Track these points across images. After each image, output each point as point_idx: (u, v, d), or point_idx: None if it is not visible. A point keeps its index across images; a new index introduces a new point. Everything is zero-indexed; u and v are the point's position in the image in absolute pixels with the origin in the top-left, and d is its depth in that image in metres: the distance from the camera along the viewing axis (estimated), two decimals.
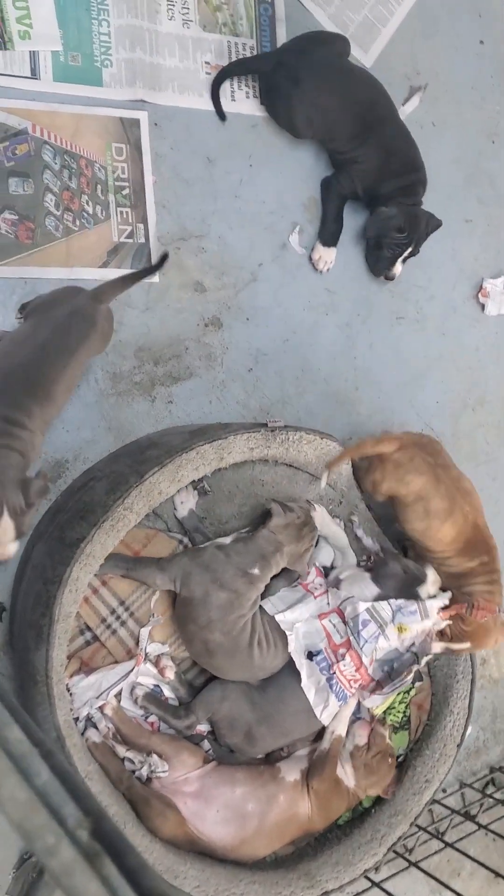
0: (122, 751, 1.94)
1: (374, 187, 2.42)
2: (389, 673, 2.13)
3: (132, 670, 1.96)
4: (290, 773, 2.04)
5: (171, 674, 2.01)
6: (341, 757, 2.08)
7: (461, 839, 2.45)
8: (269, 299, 2.44)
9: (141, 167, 2.29)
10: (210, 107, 2.38)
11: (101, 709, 1.93)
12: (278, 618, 2.00)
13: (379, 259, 2.49)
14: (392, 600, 2.05)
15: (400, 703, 2.24)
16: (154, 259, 2.27)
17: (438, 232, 2.57)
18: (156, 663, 2.01)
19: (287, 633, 2.00)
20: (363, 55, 2.57)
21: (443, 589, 2.12)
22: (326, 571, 2.17)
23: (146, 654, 1.99)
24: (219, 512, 2.11)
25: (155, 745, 1.95)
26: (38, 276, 2.15)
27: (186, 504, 2.05)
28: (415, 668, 2.09)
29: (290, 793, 2.02)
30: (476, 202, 2.77)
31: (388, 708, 2.22)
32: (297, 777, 2.04)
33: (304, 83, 2.29)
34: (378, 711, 2.16)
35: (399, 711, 2.24)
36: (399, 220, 2.39)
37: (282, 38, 2.47)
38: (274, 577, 2.01)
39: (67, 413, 2.13)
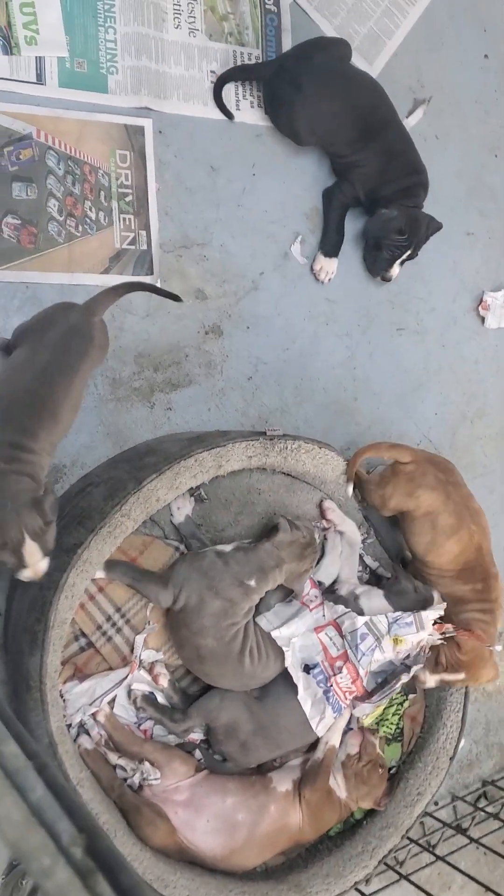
0: (114, 758, 1.93)
1: (376, 190, 2.43)
2: (381, 684, 2.13)
3: (126, 677, 1.96)
4: (282, 783, 2.04)
5: (164, 681, 2.00)
6: (333, 767, 2.08)
7: (452, 852, 2.45)
8: (269, 308, 2.44)
9: (144, 174, 2.30)
10: (214, 115, 2.39)
11: (93, 715, 1.93)
12: (274, 634, 2.00)
13: (377, 260, 2.50)
14: (389, 612, 2.05)
15: (393, 714, 2.23)
16: (156, 268, 2.27)
17: (440, 244, 2.58)
18: (150, 670, 2.00)
19: (284, 648, 2.00)
20: (368, 67, 2.58)
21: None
22: (325, 586, 2.17)
23: (140, 662, 1.99)
24: (215, 519, 2.11)
25: (147, 753, 1.95)
26: (40, 281, 2.15)
27: (183, 510, 2.05)
28: (403, 676, 2.09)
29: (281, 803, 2.02)
30: (478, 215, 2.77)
31: (381, 719, 2.22)
32: (289, 787, 2.04)
33: (306, 88, 2.30)
34: (367, 721, 2.16)
35: (392, 723, 2.24)
36: (399, 221, 2.40)
37: (287, 48, 2.48)
38: (268, 590, 2.01)
39: None
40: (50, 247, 2.17)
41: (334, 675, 2.02)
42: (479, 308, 2.76)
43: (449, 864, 2.33)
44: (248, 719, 2.00)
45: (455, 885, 2.60)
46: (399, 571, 2.19)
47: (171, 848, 1.94)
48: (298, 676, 2.00)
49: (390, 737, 2.24)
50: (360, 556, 2.24)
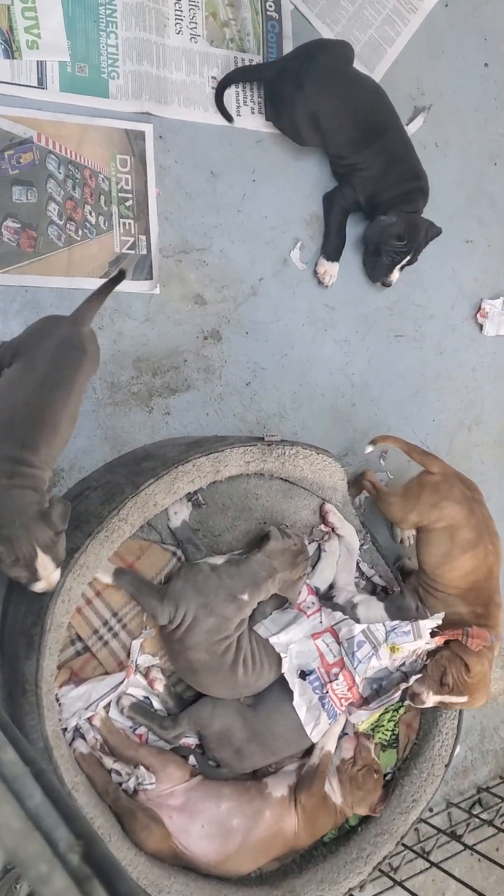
0: (109, 762, 1.93)
1: (376, 195, 2.44)
2: (377, 691, 2.13)
3: (122, 682, 1.96)
4: (277, 788, 2.04)
5: (160, 686, 2.00)
6: (328, 772, 2.07)
7: (447, 859, 2.45)
8: (268, 314, 2.45)
9: (145, 179, 2.30)
10: (215, 121, 2.39)
11: (89, 720, 1.93)
12: (272, 640, 2.00)
13: (377, 265, 2.50)
14: (386, 621, 2.05)
15: (389, 721, 2.24)
16: (155, 272, 2.28)
17: (439, 251, 2.59)
18: (146, 675, 2.00)
19: (282, 655, 2.00)
20: (368, 74, 2.59)
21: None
22: (320, 592, 2.17)
23: (136, 666, 1.99)
24: (212, 524, 2.11)
25: (142, 758, 1.95)
26: (39, 285, 2.15)
27: (180, 515, 2.05)
28: (402, 686, 2.09)
29: (276, 808, 2.02)
30: (477, 223, 2.78)
31: (377, 726, 2.22)
32: (284, 793, 2.04)
33: (308, 87, 2.31)
34: (363, 727, 2.16)
35: (387, 729, 2.24)
36: (399, 227, 2.40)
37: None
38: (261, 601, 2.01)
39: None
40: (50, 251, 2.17)
41: (330, 681, 2.03)
42: (478, 315, 2.77)
43: (443, 870, 2.33)
44: (242, 726, 2.00)
45: (449, 892, 2.60)
46: (404, 588, 2.20)
47: (165, 853, 1.93)
48: (294, 682, 2.00)
49: (386, 743, 2.24)
50: (357, 563, 2.24)
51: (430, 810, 2.52)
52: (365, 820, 2.18)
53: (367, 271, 2.56)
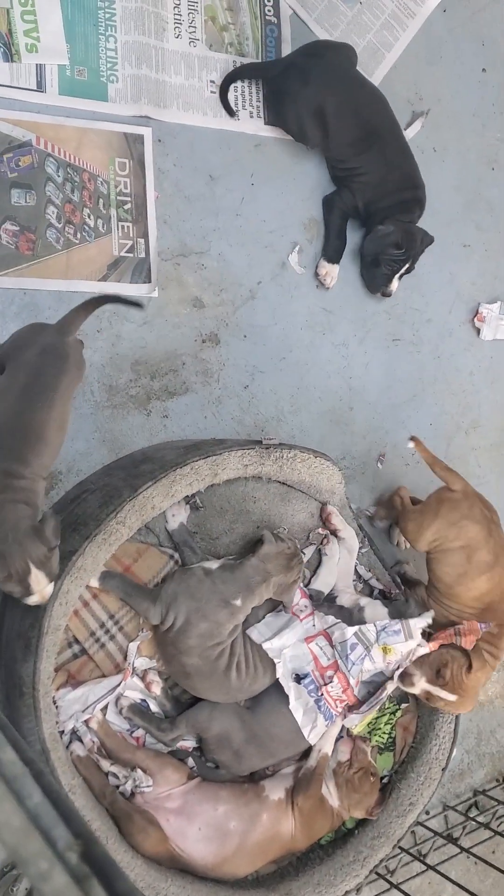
0: (106, 765, 1.93)
1: (374, 202, 2.45)
2: (372, 693, 2.14)
3: (119, 684, 1.96)
4: (275, 791, 2.04)
5: (157, 689, 2.00)
6: (325, 775, 2.08)
7: (443, 862, 2.45)
8: (266, 317, 2.45)
9: (143, 182, 2.31)
10: (214, 125, 2.40)
11: (86, 722, 1.93)
12: (265, 646, 2.00)
13: (376, 276, 2.51)
14: (377, 622, 2.06)
15: (385, 724, 2.24)
16: (154, 276, 2.28)
17: (436, 256, 2.60)
18: (143, 678, 2.00)
19: (275, 660, 2.00)
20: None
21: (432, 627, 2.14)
22: (322, 596, 2.17)
23: (134, 669, 1.99)
24: (209, 527, 2.11)
25: (139, 760, 1.95)
26: (38, 288, 2.16)
27: (178, 517, 2.05)
28: (389, 684, 2.09)
29: (273, 811, 2.02)
30: (474, 228, 2.79)
31: (374, 729, 2.22)
32: (282, 796, 2.04)
33: (314, 82, 2.32)
34: (357, 730, 2.16)
35: (384, 733, 2.24)
36: (396, 236, 2.42)
37: None
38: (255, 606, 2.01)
39: None
40: (48, 253, 2.18)
41: (325, 684, 2.03)
42: (475, 320, 2.77)
43: (440, 873, 2.33)
44: (240, 728, 2.00)
45: (446, 895, 2.60)
46: (410, 596, 2.20)
47: (162, 855, 1.93)
48: (289, 686, 2.01)
49: (382, 746, 2.24)
50: (354, 567, 2.25)
51: (427, 813, 2.52)
52: (362, 823, 2.18)
53: (366, 283, 2.56)
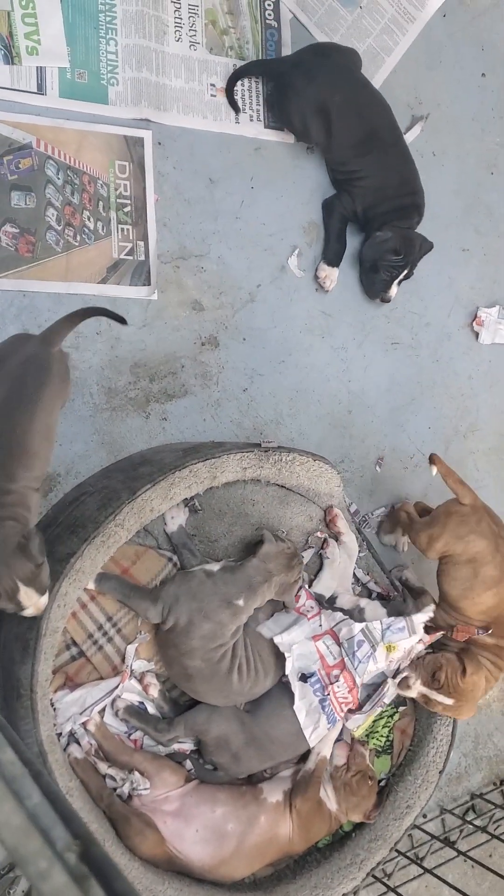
0: (103, 767, 1.93)
1: (373, 206, 2.45)
2: (371, 696, 2.14)
3: (117, 687, 1.96)
4: (273, 794, 2.04)
5: (154, 691, 2.00)
6: (323, 778, 2.08)
7: (440, 865, 2.45)
8: (266, 320, 2.46)
9: (143, 185, 2.31)
10: (214, 128, 2.41)
11: (84, 725, 1.93)
12: (276, 640, 2.01)
13: (375, 282, 2.52)
14: (383, 619, 2.06)
15: (383, 727, 2.24)
16: (153, 278, 2.29)
17: (435, 260, 2.60)
18: (140, 680, 2.00)
19: (286, 654, 2.00)
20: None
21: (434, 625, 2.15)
22: (323, 599, 2.18)
23: (132, 671, 1.99)
24: (208, 530, 2.11)
25: (137, 763, 1.95)
26: (37, 290, 2.16)
27: (176, 520, 2.06)
28: (388, 682, 2.09)
29: (271, 814, 2.02)
30: (473, 232, 2.80)
31: (371, 732, 2.22)
32: (280, 798, 2.04)
33: (320, 80, 2.33)
34: (358, 732, 2.17)
35: (382, 735, 2.24)
36: (395, 242, 2.42)
37: None
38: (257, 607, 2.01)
39: (60, 426, 2.12)
40: (47, 256, 2.18)
41: (331, 683, 2.03)
42: (474, 324, 2.78)
43: (437, 876, 2.33)
44: (240, 731, 2.00)
45: None
46: (408, 598, 2.21)
47: (159, 858, 1.93)
48: (295, 685, 2.01)
49: (380, 749, 2.24)
50: (353, 570, 2.25)
51: (424, 816, 2.52)
52: (359, 825, 2.18)
53: (365, 289, 2.57)
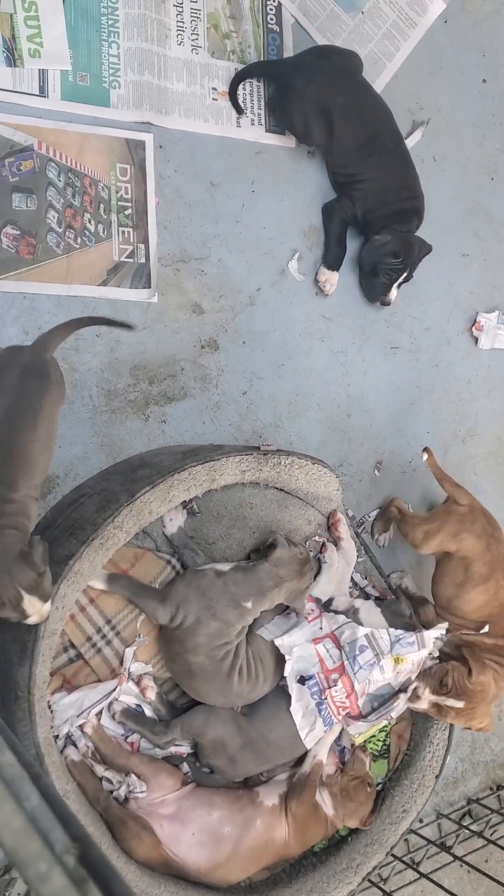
0: (100, 770, 1.93)
1: (373, 210, 2.46)
2: (377, 708, 2.12)
3: (115, 689, 1.95)
4: (269, 797, 2.04)
5: (152, 694, 2.00)
6: (319, 783, 2.08)
7: (436, 870, 2.45)
8: (265, 324, 2.46)
9: (144, 188, 2.32)
10: (215, 132, 2.41)
11: (81, 727, 1.93)
12: (277, 642, 2.01)
13: (375, 286, 2.52)
14: (392, 630, 2.06)
15: (380, 731, 2.24)
16: (153, 281, 2.29)
17: (435, 265, 2.61)
18: (137, 682, 2.00)
19: (286, 656, 2.01)
20: None
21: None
22: (320, 603, 2.17)
23: (129, 674, 1.99)
24: (206, 532, 2.11)
25: (134, 766, 1.95)
26: (38, 292, 2.16)
27: (175, 522, 2.05)
28: (402, 696, 2.08)
29: (267, 817, 2.02)
30: (473, 237, 2.80)
31: (369, 736, 2.22)
32: (276, 802, 2.04)
33: (322, 81, 2.34)
34: (360, 740, 2.16)
35: (379, 740, 2.24)
36: (394, 245, 2.43)
37: None
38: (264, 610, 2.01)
39: (60, 429, 2.13)
40: (48, 258, 2.18)
41: (329, 687, 2.03)
42: (473, 329, 2.78)
43: (433, 881, 2.33)
44: (236, 734, 2.00)
45: None
46: (400, 595, 2.23)
47: (155, 861, 1.93)
48: (293, 687, 2.01)
49: (377, 753, 2.24)
50: (350, 576, 2.25)
51: (420, 821, 2.52)
52: (355, 830, 2.18)
53: (365, 293, 2.57)
